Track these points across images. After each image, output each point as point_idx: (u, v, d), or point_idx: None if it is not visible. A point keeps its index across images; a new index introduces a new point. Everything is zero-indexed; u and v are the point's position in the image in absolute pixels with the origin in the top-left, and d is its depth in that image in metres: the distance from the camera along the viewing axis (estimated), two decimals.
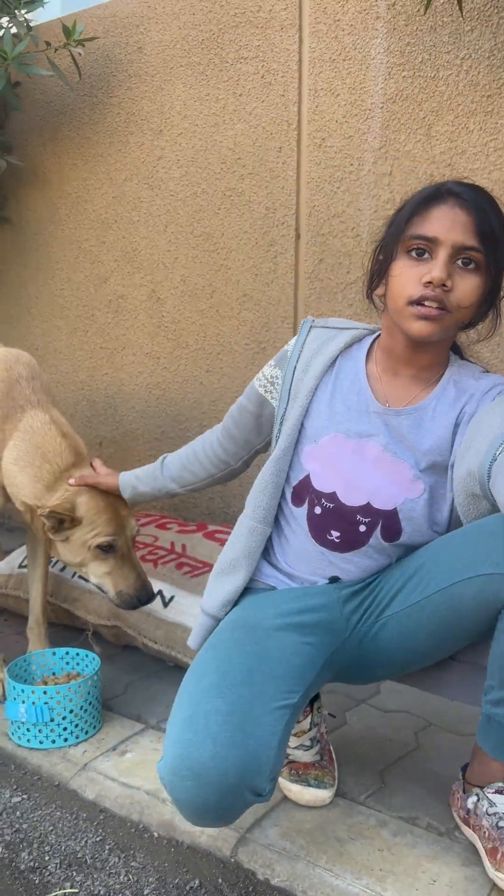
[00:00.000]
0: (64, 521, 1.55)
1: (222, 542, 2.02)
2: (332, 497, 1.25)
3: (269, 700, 1.10)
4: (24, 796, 1.41)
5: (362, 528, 1.23)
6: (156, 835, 1.31)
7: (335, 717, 1.59)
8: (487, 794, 1.22)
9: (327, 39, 2.04)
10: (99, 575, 1.60)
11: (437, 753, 1.51)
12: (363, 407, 1.26)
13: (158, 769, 1.08)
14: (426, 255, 1.16)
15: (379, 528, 1.23)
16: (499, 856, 1.15)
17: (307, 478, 1.27)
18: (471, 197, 1.15)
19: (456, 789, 1.31)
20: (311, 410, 1.28)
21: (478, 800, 1.23)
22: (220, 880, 1.21)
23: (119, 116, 2.47)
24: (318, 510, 1.26)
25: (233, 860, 1.23)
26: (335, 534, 1.25)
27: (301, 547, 1.29)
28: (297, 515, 1.29)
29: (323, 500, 1.25)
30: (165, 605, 1.82)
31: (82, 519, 1.56)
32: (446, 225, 1.14)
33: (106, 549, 1.57)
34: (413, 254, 1.16)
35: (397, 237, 1.19)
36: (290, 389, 1.31)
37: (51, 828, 1.33)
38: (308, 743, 1.39)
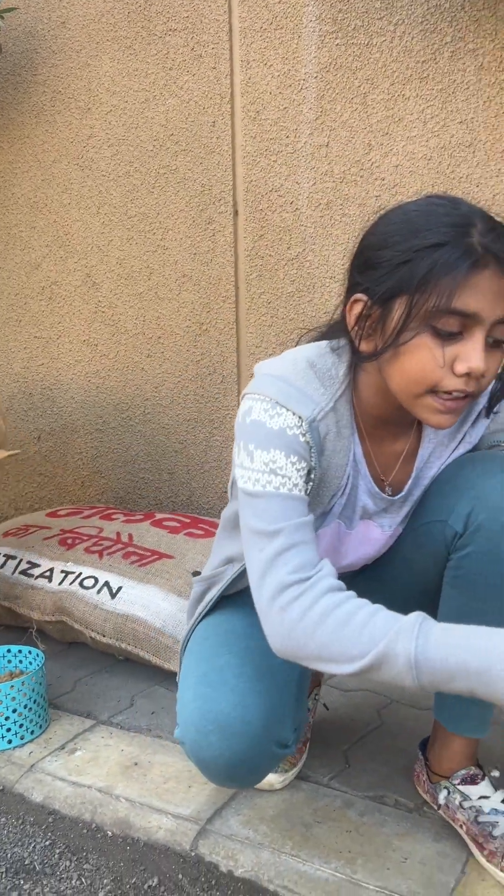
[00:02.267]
0: None
1: (170, 530, 1.94)
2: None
3: None
4: None
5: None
6: (109, 834, 1.22)
7: (328, 710, 1.52)
8: (458, 788, 1.17)
9: (257, 8, 1.99)
10: None
11: (401, 730, 1.46)
12: (366, 497, 1.11)
13: (177, 736, 1.04)
14: (458, 334, 0.92)
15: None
16: (486, 852, 1.10)
17: None
18: None
19: (420, 771, 1.26)
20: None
21: (448, 793, 1.18)
22: (180, 876, 1.13)
23: (45, 95, 2.37)
24: None
25: (193, 854, 1.15)
26: None
27: None
28: None
29: None
30: (113, 596, 1.73)
31: None
32: (490, 299, 0.90)
33: None
34: (441, 332, 0.91)
35: (415, 303, 0.90)
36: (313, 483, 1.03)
37: None
38: None
